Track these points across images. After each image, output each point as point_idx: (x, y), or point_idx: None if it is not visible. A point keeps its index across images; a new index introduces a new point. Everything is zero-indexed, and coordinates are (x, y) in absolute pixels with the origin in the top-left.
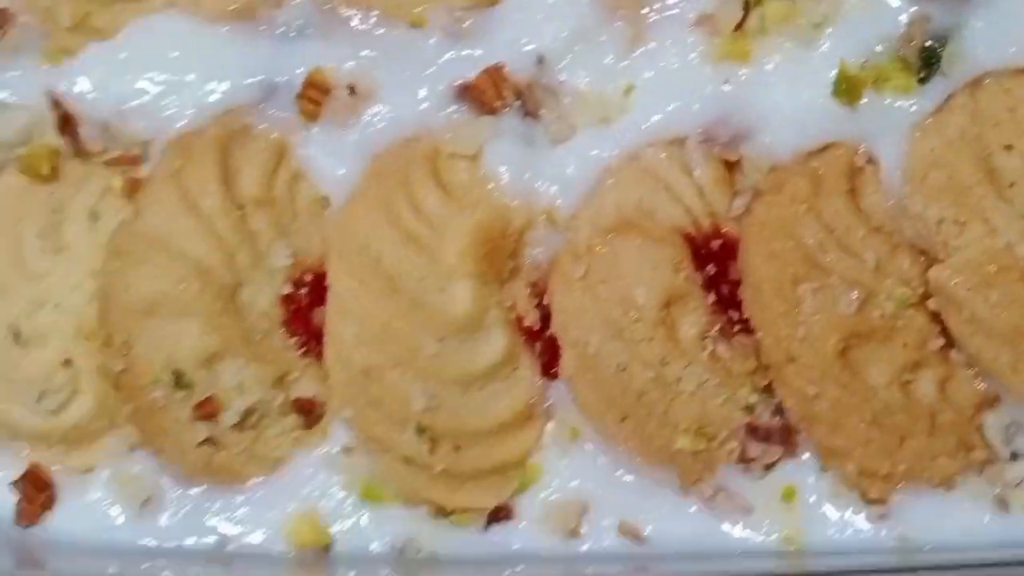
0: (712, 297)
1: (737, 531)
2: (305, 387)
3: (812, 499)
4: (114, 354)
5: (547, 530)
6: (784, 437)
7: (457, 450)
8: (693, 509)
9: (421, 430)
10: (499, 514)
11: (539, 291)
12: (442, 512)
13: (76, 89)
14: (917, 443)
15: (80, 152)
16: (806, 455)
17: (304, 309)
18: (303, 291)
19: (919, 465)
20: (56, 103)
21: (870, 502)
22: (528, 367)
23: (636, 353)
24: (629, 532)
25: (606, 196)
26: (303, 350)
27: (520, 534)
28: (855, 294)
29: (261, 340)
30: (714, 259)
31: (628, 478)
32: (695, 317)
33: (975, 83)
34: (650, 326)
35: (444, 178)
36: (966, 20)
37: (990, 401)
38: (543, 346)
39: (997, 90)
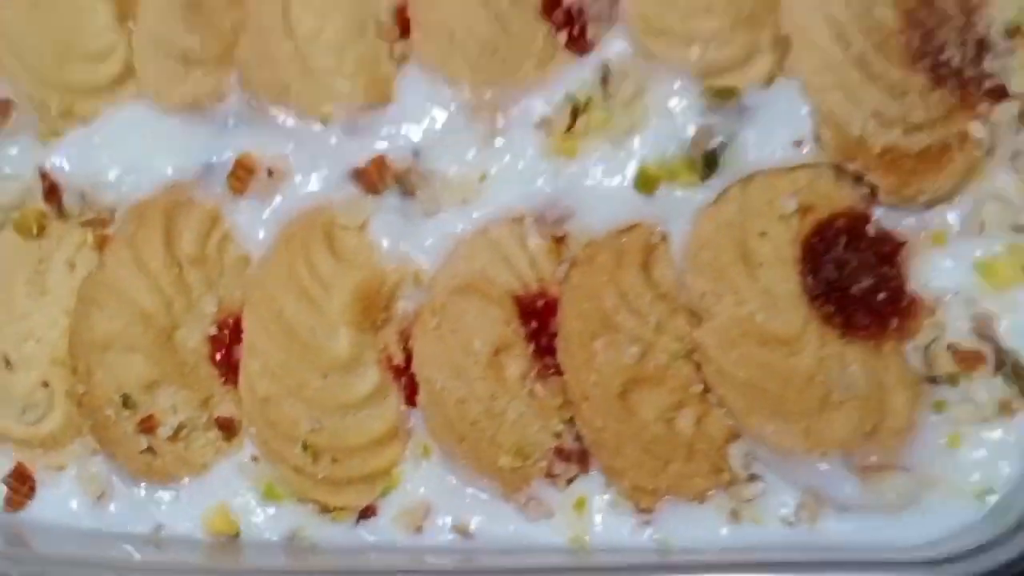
0: (533, 346)
1: (541, 531)
2: (225, 408)
3: (597, 508)
4: (78, 380)
5: (400, 526)
6: (580, 459)
7: (335, 462)
8: (508, 513)
9: (306, 447)
10: (367, 512)
11: (405, 337)
12: (324, 509)
13: (60, 165)
14: (677, 466)
15: (62, 215)
16: (595, 473)
17: (226, 347)
18: (225, 332)
19: (678, 483)
20: (44, 176)
21: (641, 511)
22: (394, 397)
23: (472, 389)
24: (460, 530)
25: (458, 262)
26: (224, 379)
27: (380, 529)
28: (635, 348)
29: (191, 371)
30: (537, 316)
31: (463, 488)
32: (518, 362)
33: (746, 179)
34: (483, 368)
35: (336, 245)
36: (740, 129)
37: (734, 435)
38: (407, 381)
39: (761, 185)
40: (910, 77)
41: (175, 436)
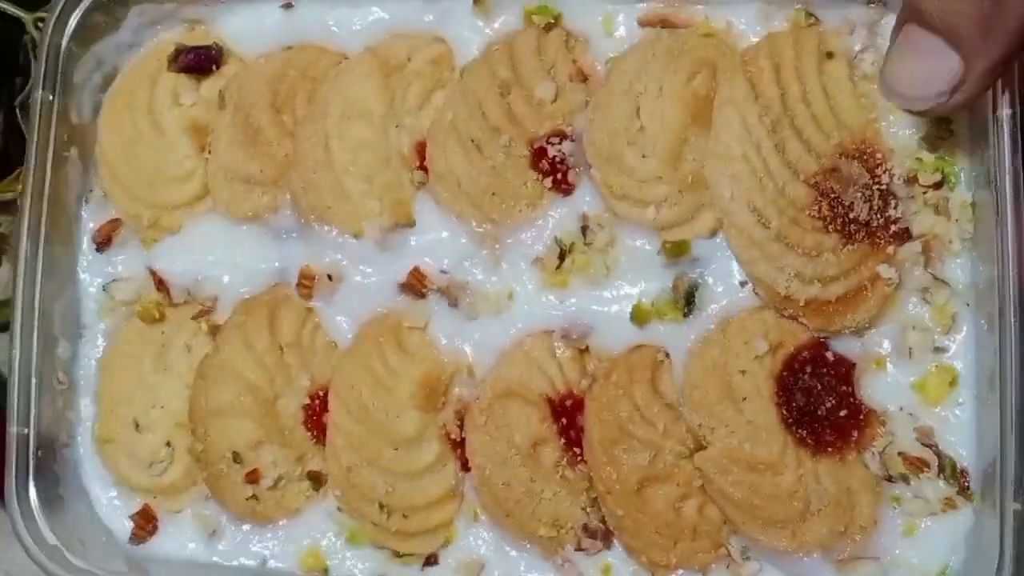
0: (563, 439)
1: None
2: (315, 464)
3: (621, 574)
4: (197, 439)
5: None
6: (604, 537)
7: (404, 518)
8: (551, 573)
9: (382, 506)
10: (430, 560)
11: (460, 416)
12: (396, 555)
13: (161, 266)
14: (685, 544)
15: (172, 304)
16: (617, 547)
17: (317, 414)
18: (316, 403)
19: (686, 558)
20: (153, 273)
21: None
22: (452, 465)
23: (514, 475)
24: None
25: (501, 369)
26: (315, 441)
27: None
28: (648, 452)
29: (289, 433)
30: (566, 415)
31: (510, 550)
32: (552, 453)
33: (723, 324)
34: (523, 458)
35: (403, 342)
36: (705, 274)
37: (731, 524)
38: (462, 452)
39: (737, 329)
40: (824, 239)
41: (274, 486)
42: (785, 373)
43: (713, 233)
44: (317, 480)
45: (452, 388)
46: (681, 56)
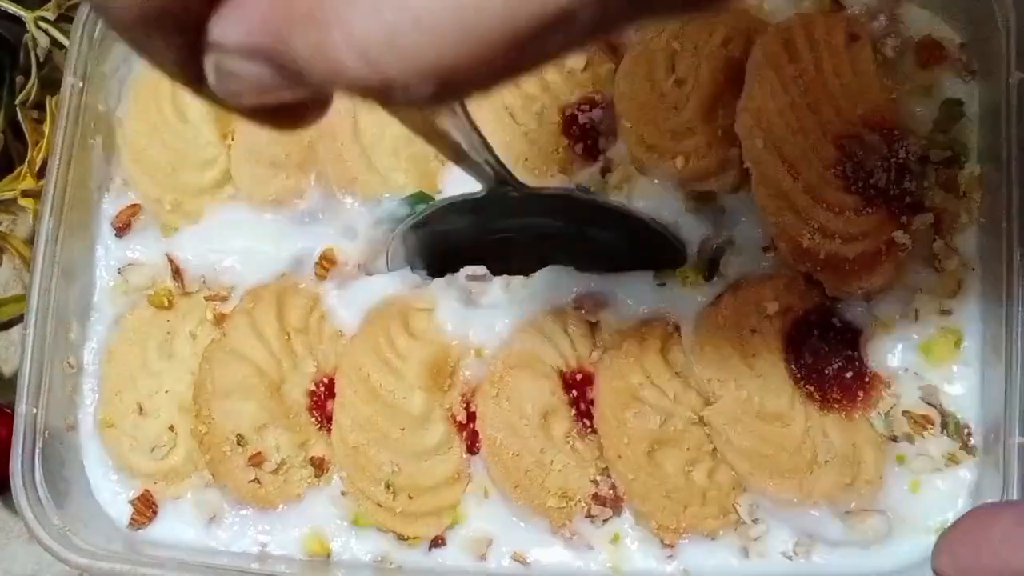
0: (573, 411)
1: (584, 561)
2: (317, 450)
3: (629, 542)
4: (201, 422)
5: (466, 555)
6: (614, 503)
7: (410, 499)
8: (559, 546)
9: (388, 486)
10: (437, 542)
11: (467, 399)
12: (401, 538)
13: (180, 254)
14: (693, 510)
15: (185, 292)
16: (627, 514)
17: (322, 401)
18: (321, 389)
19: (695, 523)
20: (170, 260)
21: (665, 545)
22: (458, 447)
23: (525, 445)
24: (519, 559)
25: (514, 344)
26: (319, 427)
27: (449, 556)
28: (658, 417)
29: (294, 418)
30: (576, 387)
31: (520, 523)
32: (562, 423)
33: (735, 287)
34: (534, 428)
35: (411, 325)
36: (729, 238)
37: (740, 486)
38: (468, 434)
39: (748, 293)
40: (847, 198)
41: (277, 470)
42: (794, 333)
43: (735, 189)
44: (320, 467)
45: (459, 371)
46: (716, 22)
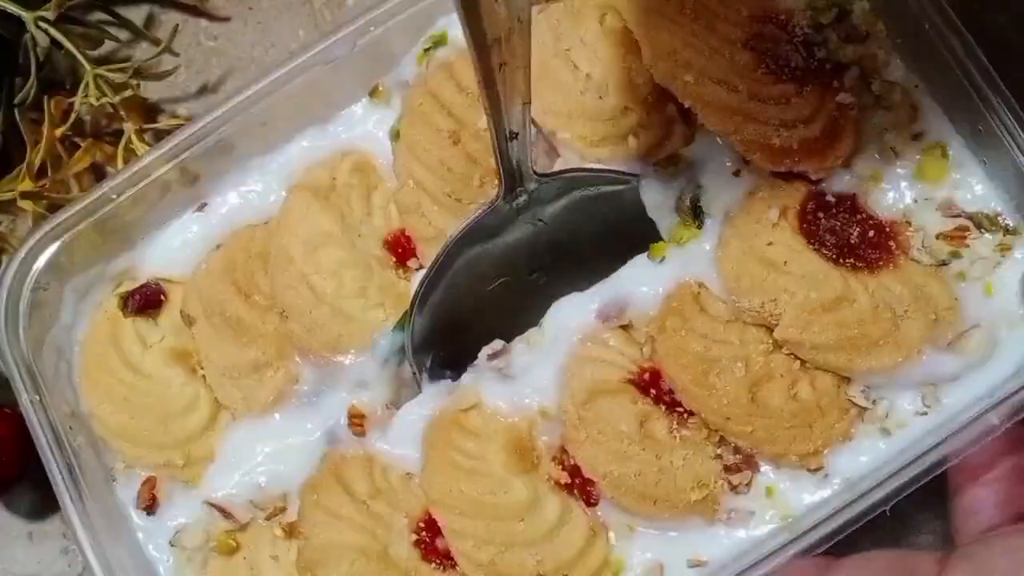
0: (662, 407)
1: (753, 529)
2: None
3: (783, 487)
4: None
5: None
6: (747, 463)
7: None
8: (722, 531)
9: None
10: None
11: (560, 460)
12: None
13: (216, 493)
14: (818, 424)
15: (243, 527)
16: (764, 466)
17: (430, 543)
18: (424, 534)
19: (826, 436)
20: (212, 505)
21: (813, 471)
22: (577, 507)
23: (639, 460)
24: (697, 564)
25: (572, 383)
26: (440, 568)
27: None
28: (740, 364)
29: (415, 574)
30: (652, 385)
31: (674, 534)
32: (660, 423)
33: (729, 220)
34: (639, 442)
35: (469, 426)
36: (700, 180)
37: (844, 380)
38: (578, 491)
39: (744, 218)
40: (786, 87)
41: None
42: (805, 225)
43: (689, 141)
44: None
45: (537, 438)
46: (582, 9)
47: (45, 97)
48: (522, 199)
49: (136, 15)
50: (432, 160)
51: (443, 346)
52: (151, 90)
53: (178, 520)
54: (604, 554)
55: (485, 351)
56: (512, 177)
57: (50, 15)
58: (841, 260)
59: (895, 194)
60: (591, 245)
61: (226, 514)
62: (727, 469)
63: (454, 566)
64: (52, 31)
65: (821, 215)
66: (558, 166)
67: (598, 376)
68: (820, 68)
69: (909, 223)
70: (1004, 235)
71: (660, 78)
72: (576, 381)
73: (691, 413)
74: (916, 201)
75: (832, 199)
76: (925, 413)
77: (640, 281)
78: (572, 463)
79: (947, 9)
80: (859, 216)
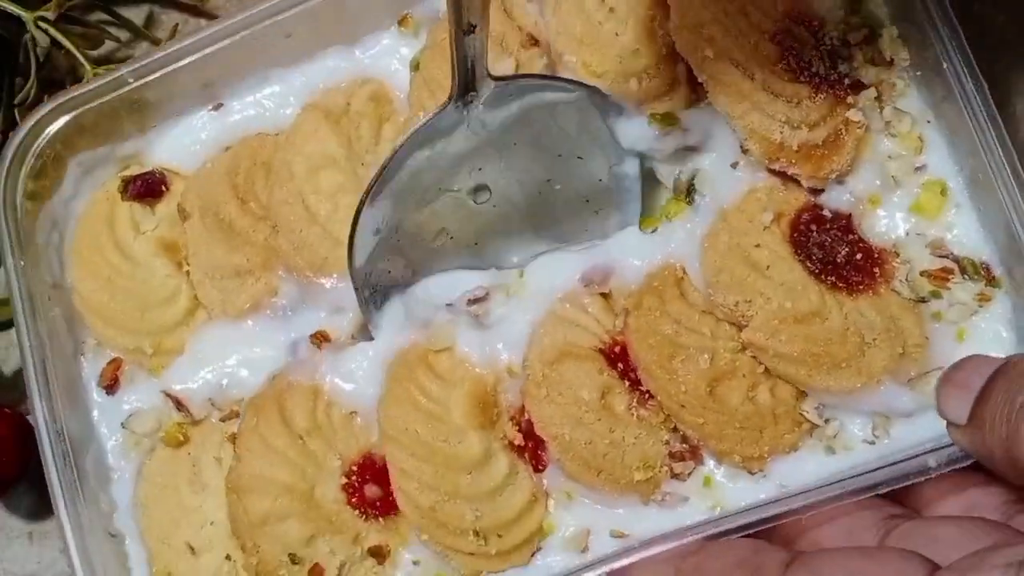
0: (626, 382)
1: (683, 515)
2: (372, 539)
3: (721, 479)
4: (249, 555)
5: (568, 552)
6: (692, 454)
7: (500, 537)
8: (654, 511)
9: (476, 533)
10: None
11: (517, 421)
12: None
13: (176, 387)
14: (769, 431)
15: (195, 422)
16: (710, 460)
17: (358, 490)
18: (354, 478)
19: (774, 444)
20: (169, 396)
21: (753, 473)
22: (525, 471)
23: (592, 430)
24: (619, 535)
25: (544, 340)
26: (364, 517)
27: (552, 560)
28: (706, 355)
29: (337, 518)
30: (620, 359)
31: (611, 510)
32: (621, 398)
33: (723, 213)
34: (597, 412)
35: (436, 369)
36: (698, 164)
37: (802, 394)
38: (529, 454)
39: (737, 211)
40: (800, 89)
41: (339, 574)
42: (795, 235)
43: (690, 104)
44: (380, 554)
45: (500, 395)
46: None
47: (45, 97)
48: (473, 104)
49: (136, 15)
50: (445, 96)
51: (390, 261)
52: None
53: (133, 404)
54: (540, 520)
55: (466, 295)
56: (466, 76)
57: (50, 15)
58: (823, 276)
59: (889, 222)
60: (535, 162)
61: (180, 406)
62: (672, 456)
63: (377, 516)
64: (52, 31)
65: (814, 227)
66: None
67: (570, 338)
68: (839, 81)
69: (897, 254)
70: (986, 285)
71: (681, 47)
72: (548, 339)
73: (651, 397)
74: (908, 234)
75: (828, 214)
76: (872, 442)
77: (628, 251)
78: (528, 426)
79: (968, 53)
80: (850, 237)
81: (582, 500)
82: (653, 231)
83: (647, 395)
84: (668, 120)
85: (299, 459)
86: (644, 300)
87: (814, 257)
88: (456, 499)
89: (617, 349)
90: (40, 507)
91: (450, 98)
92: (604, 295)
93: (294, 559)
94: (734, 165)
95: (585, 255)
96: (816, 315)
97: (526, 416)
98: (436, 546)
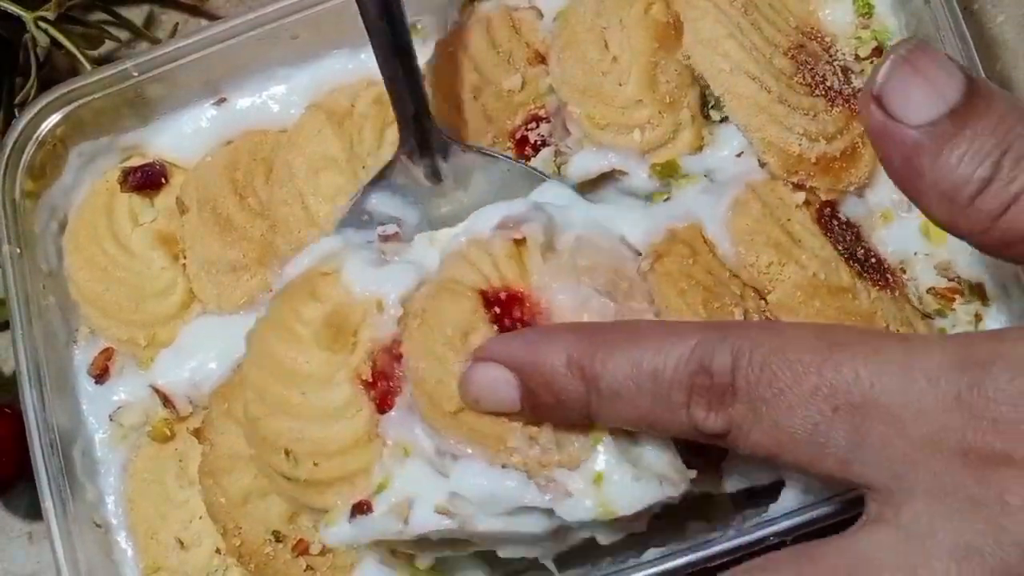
0: (496, 328)
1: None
2: None
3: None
4: (231, 538)
5: (391, 518)
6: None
7: (316, 465)
8: (532, 494)
9: (287, 453)
10: (361, 508)
11: (373, 360)
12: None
13: (163, 381)
14: None
15: (181, 418)
16: (602, 457)
17: None
18: None
19: None
20: (156, 390)
21: None
22: (366, 407)
23: (446, 369)
24: (442, 511)
25: (438, 275)
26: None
27: (376, 522)
28: (738, 310)
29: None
30: (500, 305)
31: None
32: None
33: (754, 183)
34: (456, 352)
35: (317, 292)
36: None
37: None
38: (378, 393)
39: (765, 186)
40: (816, 102)
41: (323, 549)
42: (822, 220)
43: (695, 150)
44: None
45: (362, 328)
46: None
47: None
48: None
49: (136, 15)
50: (449, 108)
51: None
52: None
53: (122, 397)
54: (366, 464)
55: (379, 229)
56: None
57: (50, 15)
58: (851, 262)
59: (900, 240)
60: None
61: (167, 402)
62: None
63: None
64: (52, 31)
65: (835, 222)
66: (570, 143)
67: (456, 275)
68: (853, 96)
69: (904, 271)
70: (981, 305)
71: (696, 62)
72: (438, 275)
73: None
74: (916, 254)
75: (844, 218)
76: None
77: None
78: (385, 364)
79: (979, 65)
80: (863, 244)
81: (416, 462)
82: (666, 179)
83: None
84: (669, 169)
85: None
86: (676, 248)
87: (841, 241)
88: (279, 416)
89: (502, 296)
90: (40, 507)
91: (412, 154)
92: (517, 240)
93: (278, 536)
94: (739, 155)
95: (521, 203)
96: (848, 292)
97: (386, 355)
98: (256, 460)
